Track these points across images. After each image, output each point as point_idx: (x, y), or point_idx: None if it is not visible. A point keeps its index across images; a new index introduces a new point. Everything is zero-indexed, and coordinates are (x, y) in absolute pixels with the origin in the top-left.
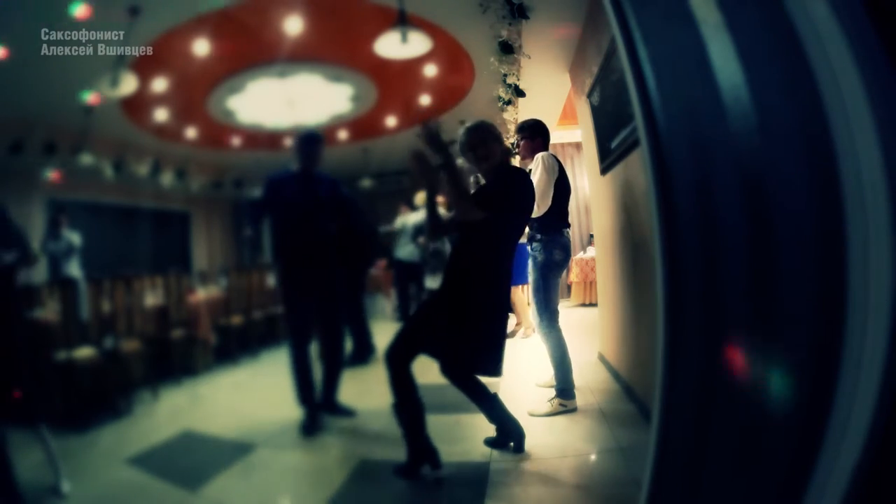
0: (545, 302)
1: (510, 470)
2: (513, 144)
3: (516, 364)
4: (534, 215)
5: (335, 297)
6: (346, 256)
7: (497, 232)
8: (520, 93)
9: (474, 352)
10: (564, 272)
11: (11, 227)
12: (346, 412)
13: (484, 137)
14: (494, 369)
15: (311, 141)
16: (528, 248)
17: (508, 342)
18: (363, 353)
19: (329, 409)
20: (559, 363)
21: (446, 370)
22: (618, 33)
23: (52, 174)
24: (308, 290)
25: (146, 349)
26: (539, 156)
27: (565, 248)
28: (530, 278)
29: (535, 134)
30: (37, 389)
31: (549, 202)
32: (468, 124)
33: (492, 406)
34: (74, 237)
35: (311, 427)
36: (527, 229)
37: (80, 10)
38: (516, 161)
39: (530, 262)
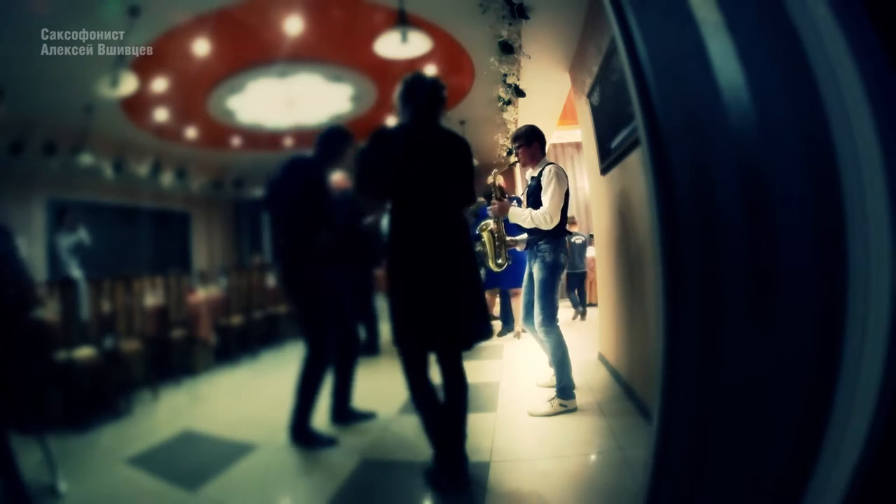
0: (550, 302)
1: (510, 470)
2: (509, 152)
3: (516, 364)
4: (547, 228)
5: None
6: (354, 254)
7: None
8: (520, 93)
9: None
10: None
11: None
12: (366, 416)
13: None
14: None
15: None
16: (533, 250)
17: (507, 342)
18: (371, 350)
19: (346, 418)
20: (559, 363)
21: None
22: (618, 33)
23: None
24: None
25: (146, 349)
26: (551, 168)
27: (566, 252)
28: (536, 279)
29: (531, 140)
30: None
31: (559, 215)
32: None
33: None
34: (84, 234)
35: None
36: (526, 235)
37: None
38: (518, 169)
39: (537, 264)
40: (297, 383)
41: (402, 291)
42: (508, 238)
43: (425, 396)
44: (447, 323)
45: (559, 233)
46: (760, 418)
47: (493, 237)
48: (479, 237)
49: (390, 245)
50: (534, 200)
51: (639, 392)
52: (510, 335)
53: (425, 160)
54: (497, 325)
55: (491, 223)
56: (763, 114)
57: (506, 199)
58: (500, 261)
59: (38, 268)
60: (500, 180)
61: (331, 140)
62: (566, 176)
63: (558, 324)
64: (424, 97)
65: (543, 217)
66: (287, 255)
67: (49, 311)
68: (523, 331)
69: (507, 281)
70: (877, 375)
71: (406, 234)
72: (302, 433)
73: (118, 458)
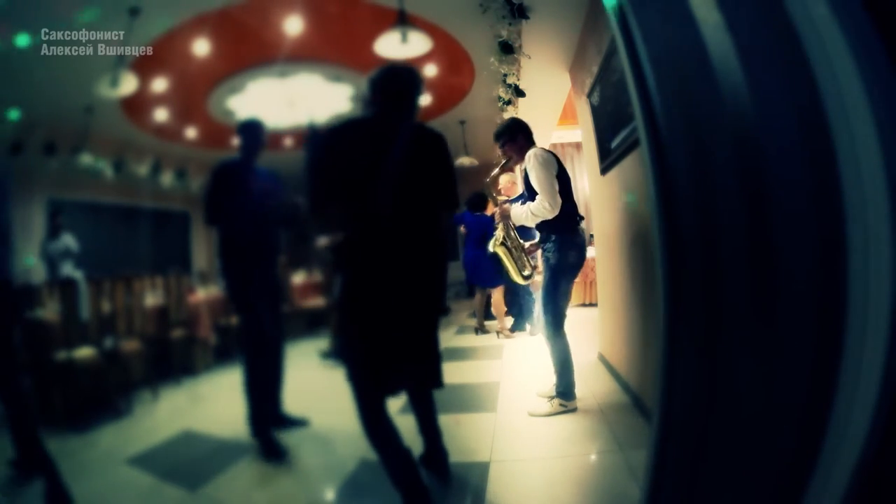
0: (553, 305)
1: (510, 470)
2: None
3: (516, 365)
4: (552, 215)
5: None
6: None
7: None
8: (520, 93)
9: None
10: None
11: None
12: (298, 422)
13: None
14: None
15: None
16: (542, 249)
17: (505, 343)
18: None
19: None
20: (562, 367)
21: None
22: (618, 33)
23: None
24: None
25: (146, 349)
26: (529, 153)
27: (580, 248)
28: (540, 279)
29: (514, 133)
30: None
31: (559, 199)
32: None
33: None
34: (71, 241)
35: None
36: (538, 232)
37: None
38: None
39: (541, 263)
40: (245, 382)
41: (364, 320)
42: (527, 244)
43: (386, 435)
44: (420, 357)
45: (565, 227)
46: (760, 418)
47: (509, 249)
48: (495, 255)
49: (348, 265)
50: (530, 194)
51: (639, 392)
52: (495, 335)
53: (394, 158)
54: (497, 323)
55: (500, 235)
56: (763, 114)
57: (504, 204)
58: (525, 272)
59: (37, 268)
60: (499, 181)
61: (246, 135)
62: (551, 155)
63: (564, 331)
64: (398, 85)
65: (541, 206)
66: (221, 255)
67: (49, 311)
68: (535, 332)
69: (483, 279)
70: (877, 375)
71: (373, 250)
72: (276, 419)
73: (118, 458)
